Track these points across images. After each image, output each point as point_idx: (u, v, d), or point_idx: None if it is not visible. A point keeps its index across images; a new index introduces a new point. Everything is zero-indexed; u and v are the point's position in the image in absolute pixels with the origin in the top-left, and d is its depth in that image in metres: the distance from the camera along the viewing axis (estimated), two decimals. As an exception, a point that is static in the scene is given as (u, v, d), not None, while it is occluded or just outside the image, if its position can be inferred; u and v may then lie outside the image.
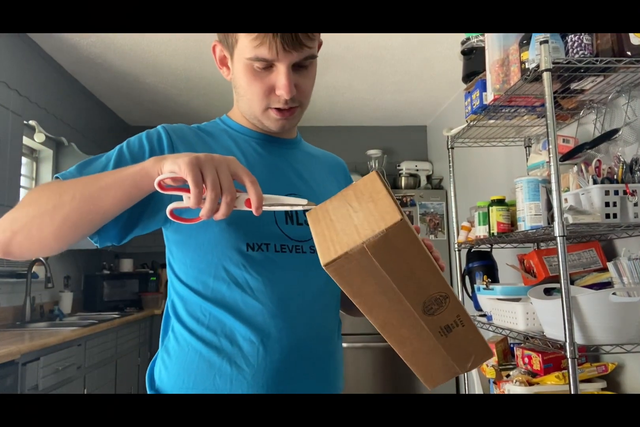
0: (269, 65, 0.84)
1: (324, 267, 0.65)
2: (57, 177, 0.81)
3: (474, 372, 2.15)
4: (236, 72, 0.89)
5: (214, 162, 0.68)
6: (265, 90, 0.87)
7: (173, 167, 0.68)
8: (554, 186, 1.44)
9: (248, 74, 0.86)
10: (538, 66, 1.48)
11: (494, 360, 2.02)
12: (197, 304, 0.89)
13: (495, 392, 1.93)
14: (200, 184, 0.66)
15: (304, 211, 0.89)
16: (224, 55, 0.91)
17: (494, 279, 2.19)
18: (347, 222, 0.68)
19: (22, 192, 3.27)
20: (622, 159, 1.60)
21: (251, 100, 0.90)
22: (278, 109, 0.89)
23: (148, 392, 0.92)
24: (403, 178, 4.21)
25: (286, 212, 0.90)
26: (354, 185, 0.74)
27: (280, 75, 0.84)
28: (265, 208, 0.72)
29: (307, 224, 0.90)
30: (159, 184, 0.69)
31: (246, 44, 0.83)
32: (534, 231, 1.63)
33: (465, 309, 0.75)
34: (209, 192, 0.67)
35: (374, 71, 3.41)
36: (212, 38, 0.94)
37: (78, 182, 0.75)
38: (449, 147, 2.34)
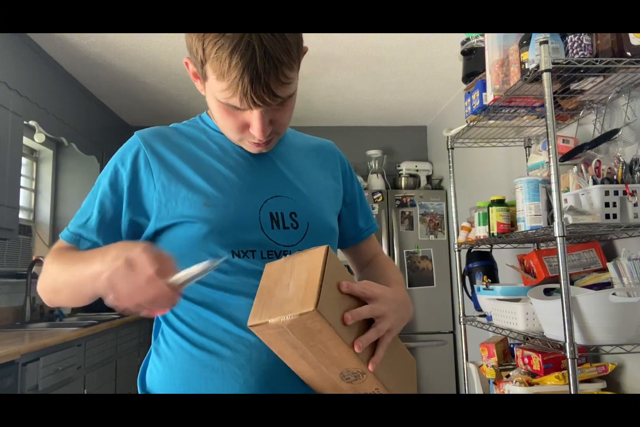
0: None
1: (248, 327, 0.73)
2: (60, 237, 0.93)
3: (474, 372, 2.15)
4: (208, 101, 0.86)
5: (126, 284, 0.71)
6: (239, 127, 0.84)
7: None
8: (553, 186, 1.44)
9: (221, 110, 0.83)
10: (538, 66, 1.48)
11: (494, 360, 2.02)
12: (184, 306, 0.88)
13: (495, 393, 1.93)
14: (121, 306, 0.72)
15: (290, 215, 0.90)
16: (196, 71, 0.84)
17: (494, 280, 2.19)
18: (283, 291, 0.74)
19: (22, 192, 3.28)
20: (622, 160, 1.60)
21: (225, 131, 0.90)
22: (254, 142, 0.87)
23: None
24: (403, 178, 4.21)
25: (271, 216, 0.89)
26: (305, 253, 0.79)
27: (253, 119, 0.82)
28: (186, 283, 0.74)
29: (293, 228, 0.90)
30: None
31: (217, 89, 0.79)
32: (534, 231, 1.63)
33: (385, 384, 0.78)
34: (130, 309, 0.72)
35: (374, 71, 3.40)
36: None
37: (63, 268, 0.84)
38: (449, 147, 2.34)
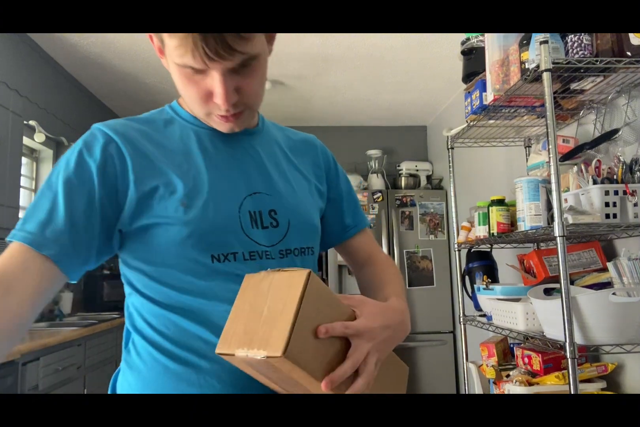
0: (201, 70, 0.75)
1: (216, 353, 0.68)
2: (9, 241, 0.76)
3: (474, 372, 2.15)
4: (171, 71, 0.79)
5: None
6: (203, 96, 0.78)
7: None
8: (553, 186, 1.44)
9: (182, 78, 0.77)
10: (538, 66, 1.48)
11: (494, 360, 2.02)
12: (158, 315, 0.81)
13: (495, 392, 1.93)
14: None
15: (269, 213, 0.84)
16: (158, 43, 0.78)
17: (494, 279, 2.19)
18: (255, 318, 0.68)
19: (22, 192, 3.28)
20: (622, 159, 1.60)
21: (191, 104, 0.82)
22: (221, 115, 0.80)
23: None
24: (403, 178, 4.21)
25: (250, 215, 0.83)
26: (285, 274, 0.71)
27: (215, 84, 0.75)
28: None
29: (273, 227, 0.85)
30: None
31: (172, 50, 0.73)
32: (534, 231, 1.63)
33: None
34: None
35: (374, 71, 3.41)
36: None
37: None
38: (449, 147, 2.34)
